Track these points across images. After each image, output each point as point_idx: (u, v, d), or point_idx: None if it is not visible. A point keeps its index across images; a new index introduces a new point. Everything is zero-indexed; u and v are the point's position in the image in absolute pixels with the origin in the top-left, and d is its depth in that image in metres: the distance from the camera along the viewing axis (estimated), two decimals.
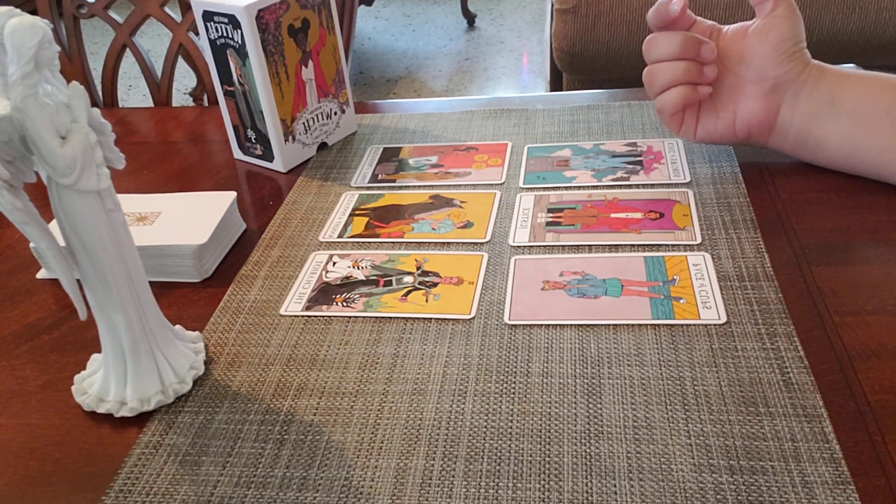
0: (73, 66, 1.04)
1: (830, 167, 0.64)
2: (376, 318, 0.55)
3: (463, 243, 0.62)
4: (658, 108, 0.66)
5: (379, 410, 0.48)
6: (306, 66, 0.73)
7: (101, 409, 0.49)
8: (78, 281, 0.46)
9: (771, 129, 0.64)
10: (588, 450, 0.44)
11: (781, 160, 0.67)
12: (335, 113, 0.78)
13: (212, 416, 0.49)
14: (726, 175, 0.67)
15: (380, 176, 0.73)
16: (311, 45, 0.73)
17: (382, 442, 0.46)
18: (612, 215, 0.63)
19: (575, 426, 0.45)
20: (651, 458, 0.43)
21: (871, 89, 0.60)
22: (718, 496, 0.41)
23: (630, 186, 0.67)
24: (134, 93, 2.84)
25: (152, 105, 1.03)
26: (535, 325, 0.53)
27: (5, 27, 0.40)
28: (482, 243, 0.62)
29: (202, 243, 0.60)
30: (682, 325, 0.51)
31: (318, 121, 0.77)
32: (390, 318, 0.55)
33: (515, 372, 0.49)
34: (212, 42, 0.72)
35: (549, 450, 0.44)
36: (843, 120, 0.61)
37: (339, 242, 0.64)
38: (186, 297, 0.60)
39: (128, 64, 1.28)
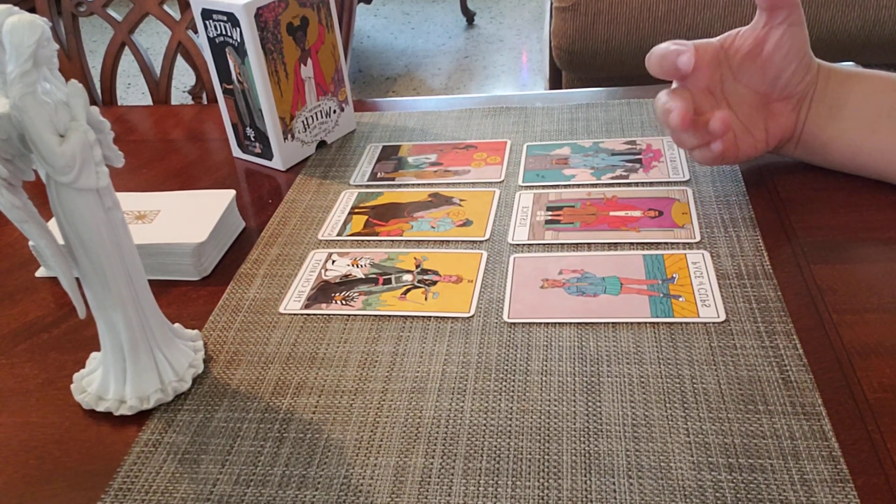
0: (71, 64, 1.03)
1: (835, 169, 0.64)
2: (375, 316, 0.55)
3: (462, 241, 0.62)
4: (699, 162, 0.63)
5: (378, 408, 0.48)
6: (305, 65, 0.73)
7: (101, 408, 0.49)
8: (77, 279, 0.46)
9: (791, 138, 0.63)
10: (587, 448, 0.44)
11: (781, 158, 0.67)
12: (334, 111, 0.78)
13: (211, 415, 0.49)
14: (725, 173, 0.67)
15: (379, 174, 0.73)
16: (310, 44, 0.73)
17: (382, 440, 0.46)
18: (612, 213, 0.63)
19: (574, 424, 0.45)
20: (650, 456, 0.43)
21: (874, 90, 0.60)
22: (717, 494, 0.41)
23: (629, 184, 0.67)
24: (133, 91, 2.83)
25: (151, 103, 1.03)
26: (534, 323, 0.53)
27: (4, 25, 0.40)
28: (481, 241, 0.62)
29: (201, 241, 0.60)
30: (681, 324, 0.52)
31: (317, 119, 0.77)
32: (389, 316, 0.55)
33: (514, 370, 0.49)
34: (211, 40, 0.71)
35: (548, 448, 0.44)
36: (846, 122, 0.60)
37: (338, 241, 0.64)
38: (185, 296, 0.60)
39: (127, 62, 1.28)
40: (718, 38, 0.61)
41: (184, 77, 2.74)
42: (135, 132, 0.87)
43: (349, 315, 0.56)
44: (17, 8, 0.41)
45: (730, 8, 1.50)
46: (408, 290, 0.57)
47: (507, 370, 0.50)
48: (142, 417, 0.49)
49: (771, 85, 0.61)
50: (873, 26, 1.51)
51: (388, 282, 0.58)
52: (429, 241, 0.63)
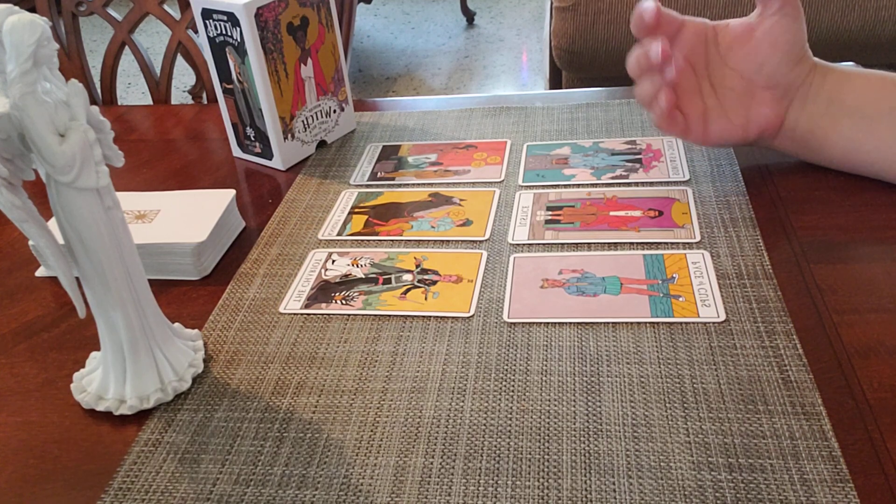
0: (71, 63, 1.03)
1: (832, 167, 0.64)
2: (375, 315, 0.55)
3: (462, 241, 0.62)
4: (658, 126, 0.64)
5: (378, 408, 0.48)
6: (305, 64, 0.73)
7: (101, 407, 0.49)
8: (77, 279, 0.46)
9: (778, 130, 0.63)
10: (587, 447, 0.44)
11: (781, 159, 0.67)
12: (334, 111, 0.78)
13: (211, 414, 0.49)
14: (725, 173, 0.67)
15: (379, 174, 0.73)
16: (310, 43, 0.73)
17: (381, 440, 0.46)
18: (612, 213, 0.63)
19: (574, 424, 0.45)
20: (650, 456, 0.43)
21: (873, 89, 0.60)
22: (717, 494, 0.41)
23: (629, 184, 0.67)
24: (133, 90, 2.83)
25: (151, 103, 1.03)
26: (534, 322, 0.53)
27: (4, 24, 0.40)
28: (481, 241, 0.62)
29: (201, 241, 0.60)
30: (680, 324, 0.52)
31: (317, 119, 0.77)
32: (389, 315, 0.55)
33: (514, 370, 0.49)
34: (211, 40, 0.71)
35: (547, 447, 0.44)
36: (845, 120, 0.60)
37: (338, 240, 0.64)
38: (185, 295, 0.60)
39: (127, 61, 1.28)
40: (714, 21, 0.63)
41: (184, 77, 2.74)
42: (135, 132, 0.87)
43: (349, 315, 0.56)
44: (17, 7, 0.41)
45: (730, 8, 1.50)
46: (408, 290, 0.57)
47: (507, 370, 0.50)
48: (142, 417, 0.49)
49: (755, 71, 0.61)
50: (873, 26, 1.51)
51: (388, 281, 0.58)
52: (429, 240, 0.63)
